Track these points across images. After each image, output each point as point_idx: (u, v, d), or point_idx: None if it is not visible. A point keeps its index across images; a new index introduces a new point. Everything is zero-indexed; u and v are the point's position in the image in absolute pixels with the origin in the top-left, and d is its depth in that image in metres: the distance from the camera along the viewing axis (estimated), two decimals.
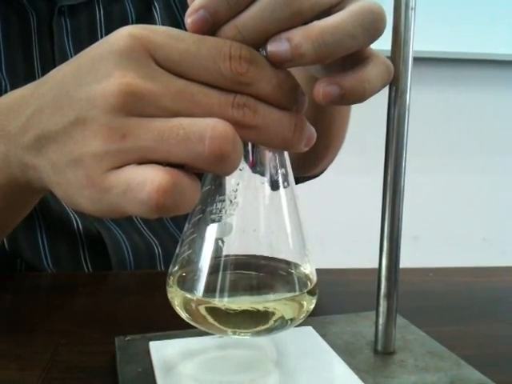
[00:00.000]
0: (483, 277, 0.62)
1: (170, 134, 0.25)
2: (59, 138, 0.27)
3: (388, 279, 0.39)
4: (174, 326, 0.41)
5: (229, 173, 0.27)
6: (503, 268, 0.65)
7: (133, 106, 0.25)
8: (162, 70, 0.26)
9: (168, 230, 0.70)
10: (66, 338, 0.44)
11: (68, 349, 0.42)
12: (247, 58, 0.26)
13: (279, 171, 0.33)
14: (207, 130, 0.25)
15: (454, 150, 1.86)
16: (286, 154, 0.34)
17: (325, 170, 0.70)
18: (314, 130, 0.30)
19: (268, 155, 0.33)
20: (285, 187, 0.34)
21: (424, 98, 1.52)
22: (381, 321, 0.39)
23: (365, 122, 1.28)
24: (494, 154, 1.88)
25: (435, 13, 1.56)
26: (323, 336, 0.41)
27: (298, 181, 0.63)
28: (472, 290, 0.57)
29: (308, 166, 0.65)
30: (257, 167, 0.32)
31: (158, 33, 0.27)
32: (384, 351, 0.39)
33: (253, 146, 0.33)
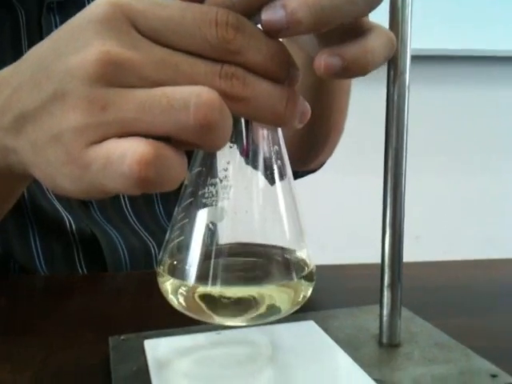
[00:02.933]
0: (489, 269, 0.60)
1: (152, 103, 0.24)
2: (38, 114, 0.26)
3: (391, 268, 0.38)
4: (170, 325, 0.40)
5: (217, 145, 0.25)
6: (507, 260, 0.63)
7: (113, 75, 0.24)
8: (144, 39, 0.25)
9: (164, 229, 0.68)
10: (59, 339, 0.42)
11: (61, 350, 0.41)
12: (234, 25, 0.25)
13: (272, 149, 0.32)
14: (191, 97, 0.23)
15: (456, 149, 1.85)
16: (279, 132, 0.32)
17: (323, 163, 0.68)
18: (308, 105, 0.29)
19: (262, 133, 0.31)
20: (279, 172, 0.32)
21: (425, 97, 1.51)
22: (385, 312, 0.38)
23: (366, 120, 1.27)
24: (497, 154, 1.86)
25: (434, 10, 1.56)
26: (325, 330, 0.39)
27: (296, 175, 0.62)
28: (479, 283, 0.56)
29: (309, 158, 0.64)
30: (249, 150, 0.31)
31: (139, 0, 0.25)
32: (389, 343, 0.38)
33: (246, 129, 0.31)
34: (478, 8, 1.68)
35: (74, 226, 0.61)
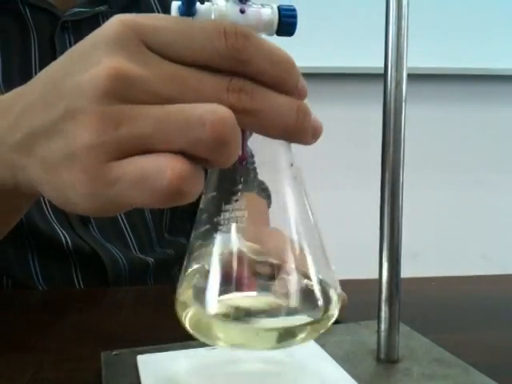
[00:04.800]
0: (487, 285, 0.60)
1: (168, 120, 0.24)
2: (49, 133, 0.26)
3: (389, 283, 0.37)
4: (165, 341, 0.39)
5: (230, 160, 0.25)
6: (506, 276, 0.63)
7: (123, 91, 0.24)
8: (154, 55, 0.25)
9: (158, 253, 0.70)
10: (51, 355, 0.42)
11: (53, 365, 0.40)
12: (243, 34, 0.25)
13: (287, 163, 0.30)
14: (207, 114, 0.24)
15: (452, 165, 1.85)
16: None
17: None
18: (320, 121, 0.28)
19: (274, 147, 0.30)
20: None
21: (422, 114, 1.52)
22: (383, 327, 0.37)
23: (361, 137, 1.27)
24: (492, 170, 1.87)
25: (430, 29, 1.57)
26: (322, 346, 0.39)
27: None
28: (477, 299, 0.55)
29: None
30: (247, 158, 0.30)
31: (149, 17, 0.26)
32: (387, 359, 0.37)
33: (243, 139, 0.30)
34: (474, 27, 1.70)
35: (70, 244, 0.61)
